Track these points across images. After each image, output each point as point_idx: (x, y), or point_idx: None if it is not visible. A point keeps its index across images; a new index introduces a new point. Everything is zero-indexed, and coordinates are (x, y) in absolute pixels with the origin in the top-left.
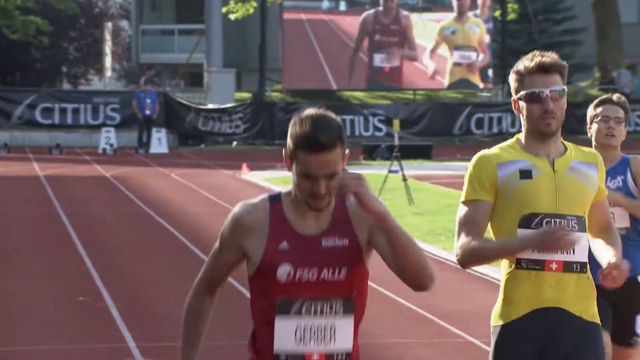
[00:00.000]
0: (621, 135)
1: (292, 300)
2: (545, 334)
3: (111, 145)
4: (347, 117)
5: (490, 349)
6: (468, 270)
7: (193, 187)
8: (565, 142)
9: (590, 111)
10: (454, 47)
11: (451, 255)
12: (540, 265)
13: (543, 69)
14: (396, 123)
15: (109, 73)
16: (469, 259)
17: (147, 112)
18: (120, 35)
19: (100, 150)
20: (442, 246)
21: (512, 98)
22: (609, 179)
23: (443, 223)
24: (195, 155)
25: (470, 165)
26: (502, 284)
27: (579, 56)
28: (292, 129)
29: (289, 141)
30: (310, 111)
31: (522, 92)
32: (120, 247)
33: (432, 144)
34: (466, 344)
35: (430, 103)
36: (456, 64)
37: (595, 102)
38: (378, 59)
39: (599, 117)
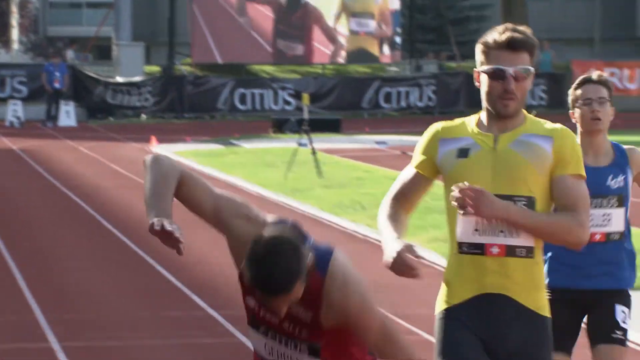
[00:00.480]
0: (607, 117)
1: (259, 324)
2: (491, 323)
3: (18, 118)
4: (257, 91)
5: (435, 341)
6: (379, 242)
7: (102, 160)
8: (530, 116)
9: (571, 94)
10: (352, 14)
11: (360, 227)
12: (480, 250)
13: (511, 45)
14: (305, 97)
15: (15, 46)
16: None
17: (57, 85)
18: (27, 7)
19: (7, 123)
20: (351, 218)
21: (475, 69)
22: (611, 177)
23: (351, 196)
24: (104, 128)
25: (422, 135)
26: (446, 269)
27: (485, 32)
28: (245, 263)
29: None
30: (262, 248)
31: (486, 67)
32: (29, 220)
33: (341, 118)
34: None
35: (339, 77)
36: (353, 32)
37: (574, 84)
38: (282, 44)
39: (581, 101)
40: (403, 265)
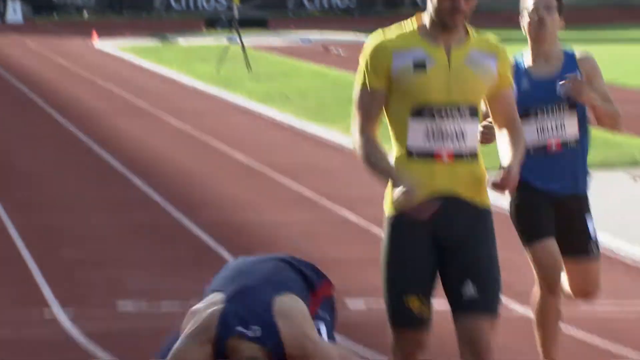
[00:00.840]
0: (555, 25)
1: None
2: (439, 220)
3: None
4: None
5: (383, 239)
6: (304, 130)
7: (48, 54)
8: (469, 27)
9: (521, 2)
10: None
11: (286, 117)
12: (430, 155)
13: None
14: None
15: None
16: (362, 160)
17: None
18: None
19: None
20: (278, 109)
21: None
22: (559, 83)
23: (279, 88)
24: (49, 24)
25: (366, 49)
26: None
27: None
28: None
29: None
30: None
31: None
32: None
33: (269, 17)
34: (299, 196)
35: None
36: None
37: None
38: None
39: (529, 7)
40: (412, 200)
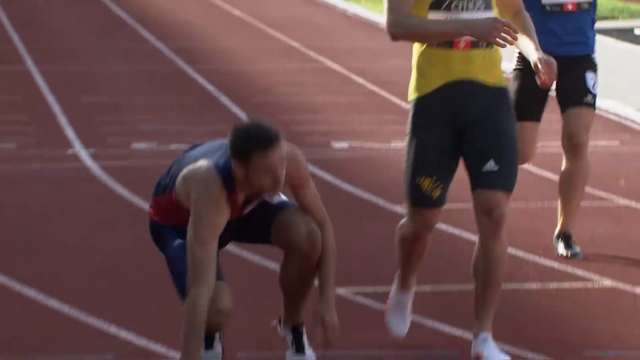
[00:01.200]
0: None
1: None
2: (457, 101)
3: None
4: None
5: (407, 122)
6: None
7: None
8: None
9: None
10: None
11: None
12: (449, 44)
13: None
14: None
15: None
16: (404, 32)
17: None
18: None
19: None
20: None
21: None
22: None
23: None
24: None
25: None
26: (414, 62)
27: None
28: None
29: None
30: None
31: None
32: None
33: None
34: (288, 47)
35: None
36: None
37: None
38: None
39: None
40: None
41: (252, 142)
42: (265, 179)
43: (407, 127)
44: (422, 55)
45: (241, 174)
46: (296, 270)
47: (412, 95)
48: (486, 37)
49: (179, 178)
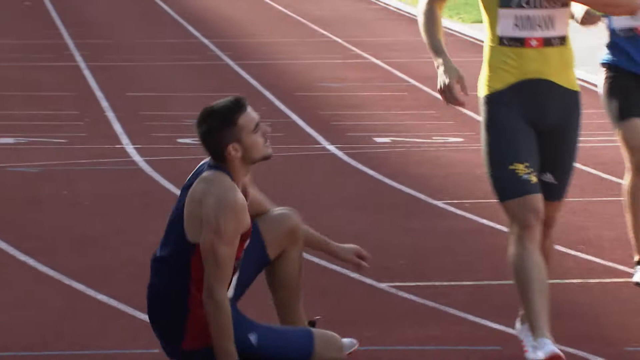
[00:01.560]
0: None
1: None
2: (532, 101)
3: None
4: None
5: (482, 120)
6: None
7: None
8: None
9: None
10: None
11: None
12: (521, 42)
13: None
14: None
15: None
16: (420, 27)
17: None
18: None
19: None
20: None
21: None
22: None
23: None
24: None
25: None
26: (486, 57)
27: None
28: None
29: None
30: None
31: None
32: None
33: None
34: (331, 42)
35: None
36: None
37: None
38: None
39: None
40: (452, 97)
41: (231, 108)
42: (258, 137)
43: (483, 123)
44: (493, 51)
45: (236, 153)
46: (297, 260)
47: (484, 91)
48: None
49: (192, 199)
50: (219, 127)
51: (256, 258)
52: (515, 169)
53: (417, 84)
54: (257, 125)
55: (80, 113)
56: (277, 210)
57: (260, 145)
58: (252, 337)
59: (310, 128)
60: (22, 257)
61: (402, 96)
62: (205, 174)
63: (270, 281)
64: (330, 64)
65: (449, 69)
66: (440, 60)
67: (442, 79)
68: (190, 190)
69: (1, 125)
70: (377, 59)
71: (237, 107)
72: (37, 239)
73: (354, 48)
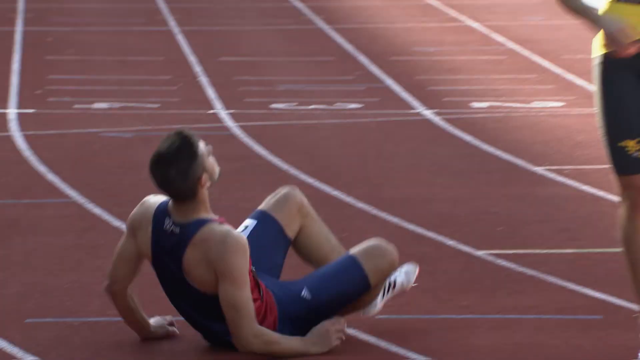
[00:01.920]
0: None
1: None
2: None
3: None
4: None
5: (595, 82)
6: None
7: None
8: None
9: None
10: None
11: None
12: (638, 1)
13: None
14: None
15: None
16: (563, 3)
17: None
18: None
19: None
20: None
21: None
22: None
23: None
24: None
25: None
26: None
27: None
28: None
29: None
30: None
31: None
32: None
33: None
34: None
35: None
36: None
37: None
38: None
39: None
40: (627, 38)
41: (189, 142)
42: (211, 157)
43: (597, 87)
44: (610, 10)
45: (206, 181)
46: (317, 231)
47: (598, 51)
48: (612, 44)
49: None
50: (189, 165)
51: (278, 243)
52: (625, 147)
53: (515, 47)
54: (211, 152)
55: (172, 78)
56: (279, 192)
57: (215, 164)
58: (305, 293)
59: (406, 93)
60: (117, 223)
61: (500, 60)
62: (195, 238)
63: (303, 259)
64: (426, 28)
65: (612, 17)
66: (595, 14)
67: (611, 28)
68: (186, 258)
69: (94, 91)
70: (475, 21)
71: (191, 139)
72: (132, 204)
73: (450, 11)
